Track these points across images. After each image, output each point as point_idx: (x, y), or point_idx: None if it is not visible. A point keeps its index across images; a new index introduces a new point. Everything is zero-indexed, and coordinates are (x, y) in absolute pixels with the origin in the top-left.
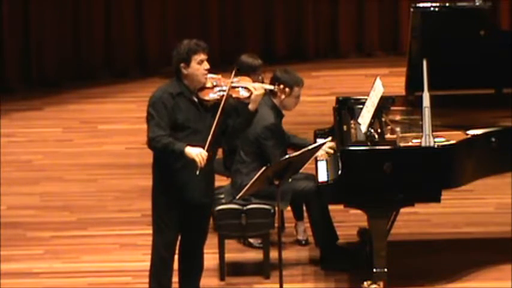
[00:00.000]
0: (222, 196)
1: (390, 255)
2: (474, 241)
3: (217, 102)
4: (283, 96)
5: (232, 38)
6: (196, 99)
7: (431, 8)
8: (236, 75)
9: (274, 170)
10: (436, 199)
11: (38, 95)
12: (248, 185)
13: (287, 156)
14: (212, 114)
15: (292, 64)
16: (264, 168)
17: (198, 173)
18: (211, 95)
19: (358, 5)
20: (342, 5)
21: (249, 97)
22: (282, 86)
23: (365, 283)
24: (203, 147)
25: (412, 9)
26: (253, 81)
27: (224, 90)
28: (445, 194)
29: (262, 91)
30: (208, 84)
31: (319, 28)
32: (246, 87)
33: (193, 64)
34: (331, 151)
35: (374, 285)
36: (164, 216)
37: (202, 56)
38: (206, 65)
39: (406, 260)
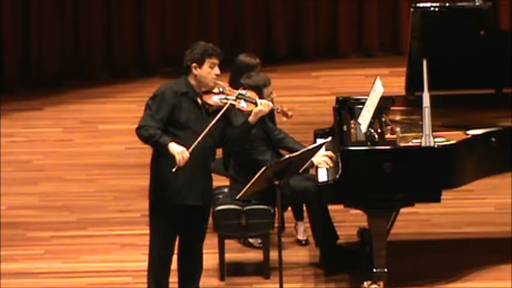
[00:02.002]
0: (222, 196)
1: (390, 255)
2: (474, 241)
3: (219, 108)
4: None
5: (232, 38)
6: (199, 101)
7: (431, 8)
8: (244, 88)
9: (274, 170)
10: (436, 199)
11: (38, 95)
12: (248, 185)
13: (287, 156)
14: (213, 119)
15: (292, 64)
16: (264, 168)
17: (174, 170)
18: (214, 100)
19: (358, 4)
20: (342, 5)
21: (251, 110)
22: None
23: (365, 283)
24: (201, 154)
25: (412, 9)
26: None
27: (228, 98)
28: (445, 194)
29: (267, 108)
30: (215, 90)
31: (319, 28)
32: (251, 101)
33: (205, 66)
34: (330, 163)
35: (374, 285)
36: (162, 216)
37: (216, 61)
38: (217, 70)
39: (406, 260)
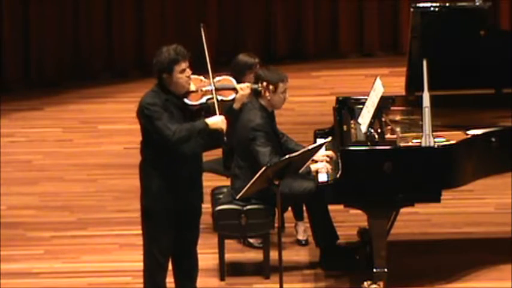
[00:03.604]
0: (222, 196)
1: (390, 255)
2: (474, 241)
3: (203, 106)
4: (267, 94)
5: (232, 38)
6: (182, 105)
7: (431, 8)
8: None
9: (274, 170)
10: (436, 199)
11: (38, 95)
12: (248, 185)
13: (287, 156)
14: (198, 118)
15: (292, 64)
16: (264, 168)
17: (225, 139)
18: (197, 100)
19: (358, 5)
20: (342, 5)
21: (233, 98)
22: (265, 84)
23: (365, 283)
24: (197, 154)
25: (412, 9)
26: (250, 79)
27: (208, 93)
28: (445, 194)
29: (248, 91)
30: (192, 88)
31: (319, 28)
32: (231, 88)
33: (175, 73)
34: (329, 166)
35: (374, 285)
36: (159, 222)
37: (184, 65)
38: (188, 72)
39: (406, 260)
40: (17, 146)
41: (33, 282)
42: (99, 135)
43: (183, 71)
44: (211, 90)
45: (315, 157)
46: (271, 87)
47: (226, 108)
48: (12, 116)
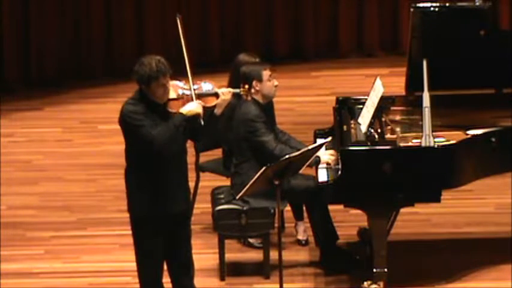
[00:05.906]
0: (222, 196)
1: (390, 255)
2: (474, 241)
3: None
4: (257, 87)
5: (233, 38)
6: (164, 111)
7: (431, 8)
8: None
9: (274, 170)
10: (436, 199)
11: (38, 95)
12: (248, 185)
13: (287, 156)
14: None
15: (292, 64)
16: (264, 168)
17: (203, 122)
18: (178, 107)
19: (358, 5)
20: (342, 5)
21: (214, 104)
22: (247, 87)
23: (365, 283)
24: (179, 158)
25: (412, 9)
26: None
27: (190, 99)
28: (445, 194)
29: (229, 96)
30: (173, 95)
31: (319, 28)
32: (212, 94)
33: (154, 88)
34: (333, 158)
35: (374, 285)
36: (148, 229)
37: (163, 81)
38: (167, 87)
39: (406, 260)
40: (17, 146)
41: (33, 282)
42: (99, 135)
43: (162, 85)
44: (192, 97)
45: (323, 156)
46: (252, 90)
47: (208, 114)
48: (12, 116)
